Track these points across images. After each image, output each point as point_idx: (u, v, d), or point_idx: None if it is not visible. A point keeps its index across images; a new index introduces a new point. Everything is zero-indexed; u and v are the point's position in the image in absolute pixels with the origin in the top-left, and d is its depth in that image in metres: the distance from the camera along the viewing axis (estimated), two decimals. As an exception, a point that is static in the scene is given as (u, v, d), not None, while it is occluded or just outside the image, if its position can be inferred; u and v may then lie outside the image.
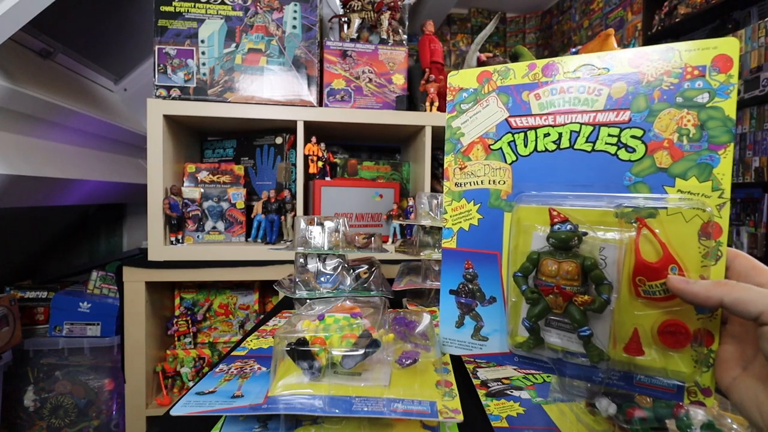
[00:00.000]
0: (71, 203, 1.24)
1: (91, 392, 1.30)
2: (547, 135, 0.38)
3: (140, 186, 1.16)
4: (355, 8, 1.20)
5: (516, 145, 0.39)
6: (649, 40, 2.47)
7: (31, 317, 1.31)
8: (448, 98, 0.43)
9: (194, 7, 1.09)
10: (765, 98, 1.84)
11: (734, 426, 0.33)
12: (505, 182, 0.40)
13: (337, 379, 0.39)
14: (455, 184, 0.42)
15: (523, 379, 0.50)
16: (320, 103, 1.18)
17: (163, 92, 1.09)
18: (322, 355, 0.39)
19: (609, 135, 0.35)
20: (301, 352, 0.39)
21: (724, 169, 0.31)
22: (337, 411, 0.34)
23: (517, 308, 0.38)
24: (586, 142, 0.36)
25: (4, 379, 1.19)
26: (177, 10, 1.09)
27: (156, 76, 1.08)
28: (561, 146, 0.37)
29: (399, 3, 1.22)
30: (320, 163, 1.16)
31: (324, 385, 0.38)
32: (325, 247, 0.66)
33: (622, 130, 0.35)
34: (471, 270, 0.42)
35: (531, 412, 0.42)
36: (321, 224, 0.67)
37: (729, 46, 0.31)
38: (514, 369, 0.53)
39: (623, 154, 0.34)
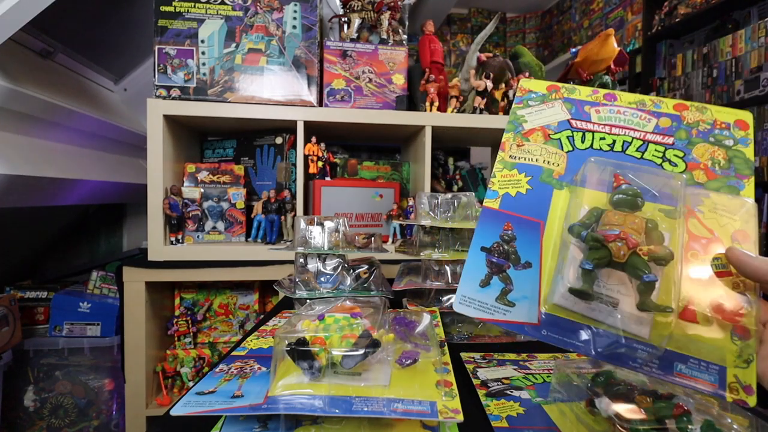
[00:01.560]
0: (71, 203, 1.24)
1: (91, 392, 1.30)
2: (602, 138, 0.42)
3: (140, 186, 1.16)
4: (355, 8, 1.20)
5: (574, 139, 0.42)
6: (649, 40, 2.47)
7: (31, 317, 1.31)
8: (517, 95, 0.46)
9: (194, 7, 1.09)
10: (765, 98, 1.84)
11: (734, 426, 0.33)
12: (559, 165, 0.42)
13: (337, 379, 0.39)
14: (510, 156, 0.43)
15: (523, 379, 0.50)
16: (320, 103, 1.18)
17: (163, 92, 1.09)
18: (322, 355, 0.39)
19: (656, 150, 0.40)
20: (301, 352, 0.39)
21: (748, 193, 0.38)
22: (337, 411, 0.34)
23: (562, 267, 0.37)
24: (637, 150, 0.41)
25: (4, 379, 1.19)
26: (177, 10, 1.09)
27: (156, 76, 1.08)
28: (614, 149, 0.41)
29: (399, 3, 1.22)
30: (320, 163, 1.16)
31: (324, 385, 0.38)
32: (325, 247, 0.66)
33: (666, 149, 0.40)
34: (510, 232, 0.40)
35: (531, 412, 0.42)
36: (321, 224, 0.67)
37: (747, 116, 0.41)
38: (515, 369, 0.53)
39: (667, 166, 0.40)
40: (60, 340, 1.26)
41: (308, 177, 1.18)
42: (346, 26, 1.22)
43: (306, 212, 1.19)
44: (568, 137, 0.43)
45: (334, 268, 0.68)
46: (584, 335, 0.35)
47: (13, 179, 0.93)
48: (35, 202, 1.10)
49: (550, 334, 0.36)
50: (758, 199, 1.91)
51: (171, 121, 1.11)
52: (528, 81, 0.47)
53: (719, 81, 2.05)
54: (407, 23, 1.27)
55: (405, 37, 1.25)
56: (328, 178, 1.18)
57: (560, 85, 0.46)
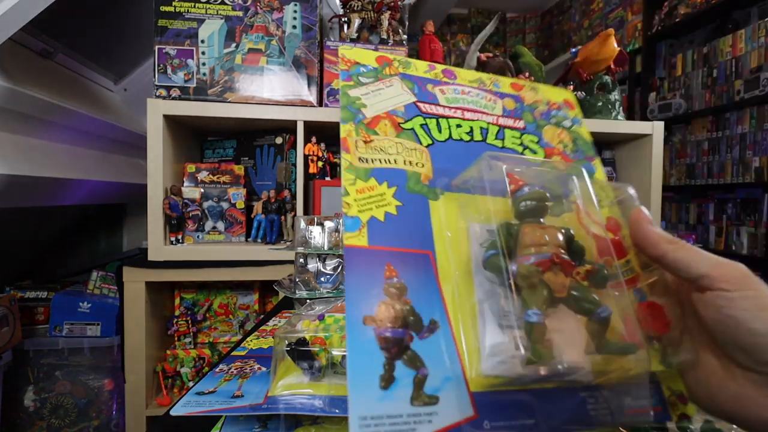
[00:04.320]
0: (71, 203, 1.24)
1: (91, 392, 1.30)
2: (459, 126, 0.36)
3: (140, 186, 1.16)
4: (355, 8, 1.20)
5: (430, 129, 0.34)
6: (649, 40, 2.47)
7: (31, 317, 1.31)
8: (341, 67, 0.36)
9: (194, 7, 1.09)
10: (765, 98, 1.84)
11: (734, 426, 0.33)
12: (423, 165, 0.32)
13: (337, 379, 0.39)
14: (359, 159, 0.31)
15: (523, 379, 0.50)
16: (320, 103, 1.18)
17: (163, 92, 1.09)
18: (322, 355, 0.39)
19: (513, 137, 0.37)
20: (301, 352, 0.39)
21: (600, 174, 0.38)
22: (337, 411, 0.34)
23: (474, 320, 0.26)
24: (496, 138, 0.36)
25: (4, 379, 1.19)
26: (177, 10, 1.09)
27: (156, 76, 1.08)
28: (474, 139, 0.36)
29: (399, 3, 1.22)
30: (320, 163, 1.16)
31: (324, 385, 0.38)
32: (325, 247, 0.66)
33: (522, 134, 0.37)
34: (395, 279, 0.26)
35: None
36: (321, 224, 0.67)
37: (569, 95, 0.41)
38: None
39: (529, 154, 0.36)
40: (60, 340, 1.26)
41: (308, 177, 1.18)
42: (346, 26, 1.22)
43: (306, 212, 1.19)
44: (422, 126, 0.34)
45: (334, 268, 0.68)
46: (536, 408, 0.26)
47: (13, 179, 0.93)
48: (35, 202, 1.10)
49: (493, 425, 0.24)
50: (758, 199, 1.91)
51: (171, 121, 1.11)
52: (348, 49, 0.37)
53: (719, 81, 2.05)
54: (407, 23, 1.27)
55: (405, 37, 1.25)
56: (328, 178, 1.18)
57: (391, 57, 0.37)
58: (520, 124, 0.37)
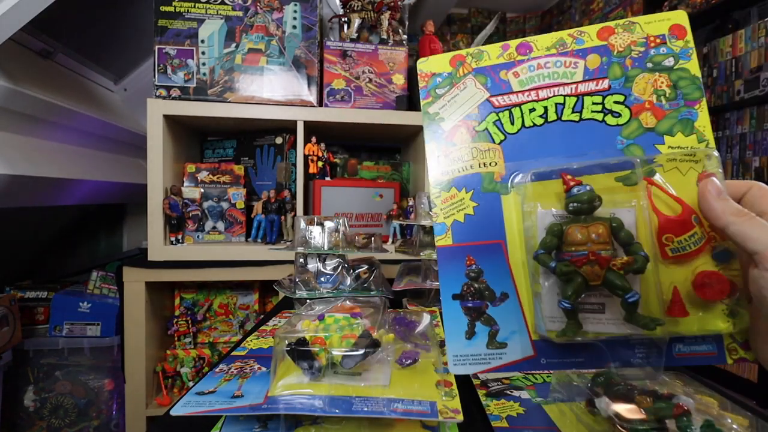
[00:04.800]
0: (71, 203, 1.24)
1: (91, 392, 1.30)
2: (532, 110, 0.37)
3: (140, 186, 1.16)
4: (355, 8, 1.20)
5: (502, 124, 0.37)
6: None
7: (31, 317, 1.30)
8: (420, 85, 0.39)
9: (194, 7, 1.09)
10: (765, 98, 1.84)
11: (734, 426, 0.33)
12: (496, 163, 0.37)
13: (337, 379, 0.39)
14: (441, 172, 0.37)
15: (523, 379, 0.50)
16: (320, 103, 1.18)
17: (163, 92, 1.09)
18: (322, 355, 0.39)
19: (593, 103, 0.36)
20: (301, 352, 0.39)
21: (704, 121, 0.34)
22: (337, 411, 0.34)
23: (540, 296, 0.34)
24: (573, 112, 0.36)
25: (4, 379, 1.19)
26: (177, 10, 1.09)
27: (156, 76, 1.08)
28: (548, 119, 0.36)
29: (399, 3, 1.22)
30: (320, 163, 1.16)
31: (324, 385, 0.38)
32: (325, 247, 0.66)
33: (604, 97, 0.35)
34: (474, 266, 0.36)
35: (531, 412, 0.42)
36: (321, 224, 0.67)
37: (680, 17, 0.35)
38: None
39: (610, 119, 0.35)
40: (60, 340, 1.26)
41: (308, 177, 1.18)
42: (346, 26, 1.22)
43: (306, 212, 1.19)
44: (495, 123, 0.37)
45: (334, 268, 0.68)
46: (583, 351, 0.34)
47: (13, 179, 0.93)
48: (35, 202, 1.10)
49: (549, 361, 0.35)
50: (758, 199, 1.90)
51: (171, 121, 1.11)
52: (425, 62, 0.39)
53: (719, 81, 2.05)
54: (407, 23, 1.27)
55: (405, 37, 1.25)
56: (328, 178, 1.18)
57: (464, 52, 0.38)
58: (604, 84, 0.35)
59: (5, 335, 1.12)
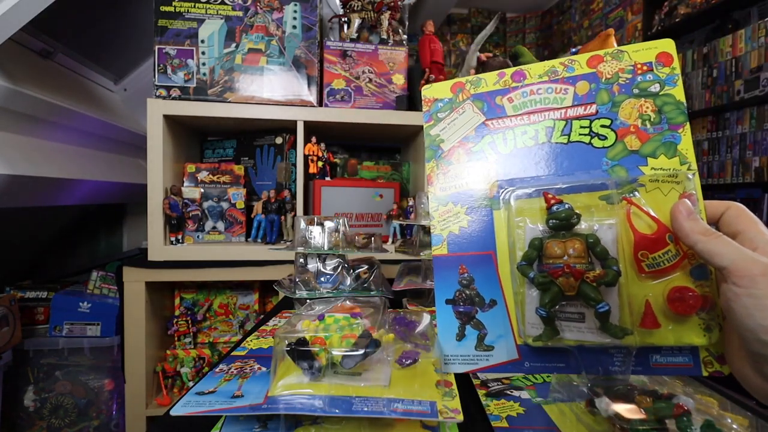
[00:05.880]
0: (71, 203, 1.24)
1: (91, 392, 1.30)
2: (524, 133, 0.39)
3: (140, 186, 1.16)
4: (355, 8, 1.20)
5: (496, 145, 0.40)
6: (649, 40, 2.47)
7: (31, 317, 1.30)
8: (423, 109, 0.43)
9: (194, 7, 1.09)
10: (765, 98, 1.84)
11: (734, 426, 0.33)
12: (489, 181, 0.40)
13: (337, 379, 0.39)
14: (440, 189, 0.41)
15: (523, 379, 0.50)
16: (320, 103, 1.18)
17: (163, 92, 1.09)
18: (322, 355, 0.39)
19: (581, 127, 0.38)
20: (301, 352, 0.39)
21: (686, 145, 0.35)
22: (337, 411, 0.34)
23: (523, 304, 0.37)
24: (562, 135, 0.38)
25: (4, 379, 1.19)
26: (177, 10, 1.09)
27: (156, 76, 1.08)
28: (539, 141, 0.39)
29: (399, 3, 1.22)
30: (320, 163, 1.16)
31: (324, 385, 0.38)
32: (325, 247, 0.66)
33: (591, 121, 0.38)
34: (466, 275, 0.39)
35: (531, 412, 0.42)
36: (321, 224, 0.67)
37: (667, 45, 0.37)
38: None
39: (597, 142, 0.37)
40: (60, 340, 1.26)
41: (308, 177, 1.18)
42: (346, 26, 1.22)
43: (306, 212, 1.19)
44: (489, 144, 0.40)
45: (334, 268, 0.68)
46: (564, 356, 0.36)
47: (13, 179, 0.93)
48: (35, 202, 1.10)
49: (532, 365, 0.37)
50: (758, 199, 1.91)
51: (171, 121, 1.11)
52: (429, 89, 0.43)
53: (719, 81, 2.05)
54: (407, 23, 1.27)
55: (405, 37, 1.25)
56: (328, 178, 1.18)
57: (464, 80, 0.42)
58: (592, 109, 0.38)
59: (5, 335, 1.12)
